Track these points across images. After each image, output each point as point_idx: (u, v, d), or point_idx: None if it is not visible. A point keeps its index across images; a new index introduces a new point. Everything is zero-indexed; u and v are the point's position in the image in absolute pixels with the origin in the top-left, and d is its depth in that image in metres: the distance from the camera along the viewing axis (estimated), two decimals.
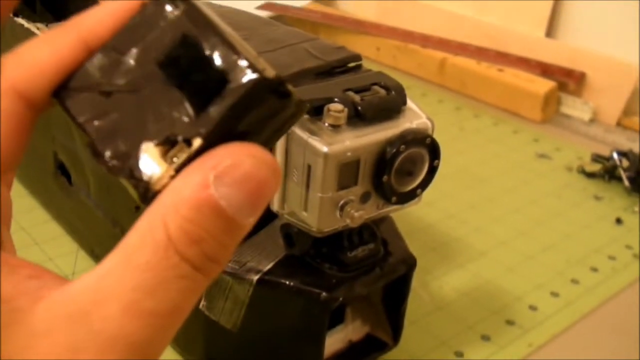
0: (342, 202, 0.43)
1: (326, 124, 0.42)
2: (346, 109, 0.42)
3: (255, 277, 0.46)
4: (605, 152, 0.89)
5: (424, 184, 0.46)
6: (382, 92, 0.45)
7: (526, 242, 0.74)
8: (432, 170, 0.46)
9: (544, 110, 1.02)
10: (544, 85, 1.03)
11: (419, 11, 1.24)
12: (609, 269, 0.71)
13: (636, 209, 0.82)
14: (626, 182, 0.84)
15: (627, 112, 1.05)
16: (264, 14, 1.33)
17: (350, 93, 0.44)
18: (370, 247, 0.48)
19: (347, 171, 0.42)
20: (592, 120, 1.04)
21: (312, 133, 0.42)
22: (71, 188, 0.64)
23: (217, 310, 0.49)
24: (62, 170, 0.65)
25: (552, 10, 1.09)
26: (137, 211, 0.54)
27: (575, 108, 1.05)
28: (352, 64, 0.53)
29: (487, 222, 0.77)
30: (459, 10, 1.19)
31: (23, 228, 0.69)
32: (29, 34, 0.63)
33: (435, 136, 0.46)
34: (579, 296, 0.67)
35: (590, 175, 0.88)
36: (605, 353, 0.60)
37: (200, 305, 0.49)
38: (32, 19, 0.81)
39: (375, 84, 0.46)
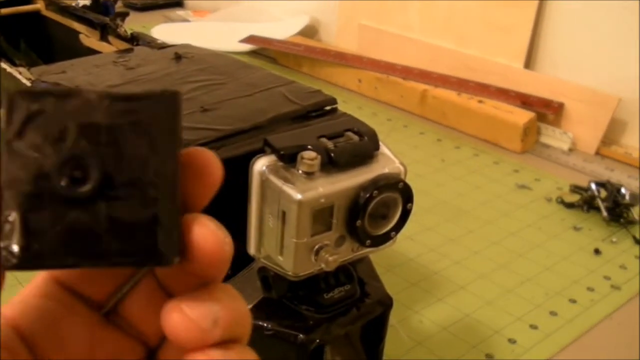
0: (316, 247, 0.44)
1: (300, 172, 0.43)
2: (319, 156, 0.43)
3: None
4: (584, 181, 0.91)
5: (398, 227, 0.47)
6: (355, 138, 0.46)
7: (505, 275, 0.75)
8: (406, 214, 0.47)
9: (524, 140, 1.04)
10: (523, 116, 1.05)
11: (400, 44, 1.25)
12: (588, 300, 0.72)
13: (614, 239, 0.83)
14: (604, 213, 0.86)
15: (605, 141, 1.06)
16: (247, 47, 1.35)
17: (324, 140, 0.45)
18: (347, 288, 0.49)
19: (321, 217, 0.43)
20: (572, 150, 1.06)
21: (286, 181, 0.43)
22: None
23: None
24: None
25: (530, 42, 1.11)
26: None
27: (554, 138, 1.07)
28: (327, 107, 0.54)
29: (466, 255, 0.78)
30: (440, 42, 1.21)
31: None
32: (12, 79, 0.64)
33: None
34: (558, 328, 0.67)
35: (569, 205, 0.89)
36: None
37: None
38: (16, 57, 0.81)
39: (348, 129, 0.47)
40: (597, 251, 0.80)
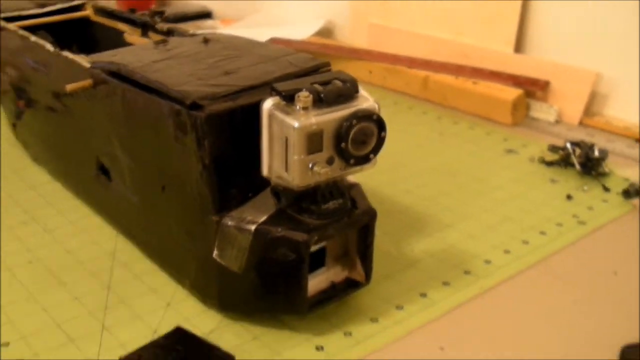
0: (311, 164, 0.58)
1: (297, 107, 0.58)
2: (311, 95, 0.58)
3: (253, 227, 0.62)
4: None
5: (375, 150, 0.61)
6: (340, 84, 0.61)
7: (488, 217, 0.88)
8: (381, 140, 0.61)
9: (514, 114, 1.18)
10: (512, 93, 1.18)
11: (405, 37, 1.40)
12: (556, 232, 0.85)
13: (586, 187, 0.96)
14: (577, 167, 0.99)
15: (588, 113, 1.19)
16: None
17: (316, 85, 0.60)
18: (339, 201, 0.63)
19: (313, 140, 0.58)
20: (558, 122, 1.19)
21: (287, 114, 0.58)
22: (110, 184, 0.80)
23: (226, 257, 0.64)
24: (102, 171, 0.81)
25: (518, 30, 1.25)
26: (163, 191, 0.70)
27: (542, 111, 1.20)
28: (323, 69, 0.69)
29: (456, 204, 0.92)
30: (439, 34, 1.35)
31: (71, 222, 0.85)
32: (74, 63, 0.79)
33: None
34: (528, 253, 0.81)
35: (549, 164, 1.02)
36: (545, 295, 0.74)
37: (214, 254, 0.64)
38: None
39: (335, 79, 0.61)
40: (569, 197, 0.93)
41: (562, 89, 1.20)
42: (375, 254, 0.69)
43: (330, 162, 0.60)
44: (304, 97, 0.58)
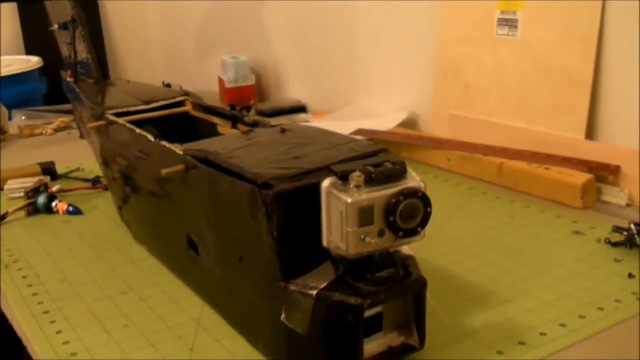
0: (363, 235, 0.66)
1: (351, 186, 0.66)
2: (363, 175, 0.66)
3: (314, 292, 0.70)
4: None
5: (423, 224, 0.69)
6: (390, 165, 0.69)
7: (547, 293, 0.93)
8: (427, 215, 0.69)
9: (584, 198, 1.22)
10: (582, 177, 1.23)
11: (483, 127, 1.47)
12: (613, 308, 0.89)
13: None
14: None
15: None
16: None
17: (368, 167, 0.68)
18: (392, 270, 0.70)
19: (365, 214, 0.66)
20: (629, 205, 1.22)
21: (342, 191, 0.66)
22: (198, 258, 0.90)
23: (292, 320, 0.72)
24: (191, 246, 0.92)
25: (588, 116, 1.31)
26: (240, 262, 0.79)
27: (613, 195, 1.24)
28: (381, 153, 0.77)
29: (517, 281, 0.97)
30: (514, 123, 1.42)
31: (164, 292, 0.95)
32: (170, 151, 0.91)
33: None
34: (583, 326, 0.85)
35: (615, 244, 1.06)
36: None
37: (282, 318, 0.72)
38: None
39: (386, 161, 0.70)
40: (630, 275, 0.97)
41: (632, 173, 1.24)
42: (436, 325, 0.76)
43: (380, 234, 0.68)
44: (356, 176, 0.66)
